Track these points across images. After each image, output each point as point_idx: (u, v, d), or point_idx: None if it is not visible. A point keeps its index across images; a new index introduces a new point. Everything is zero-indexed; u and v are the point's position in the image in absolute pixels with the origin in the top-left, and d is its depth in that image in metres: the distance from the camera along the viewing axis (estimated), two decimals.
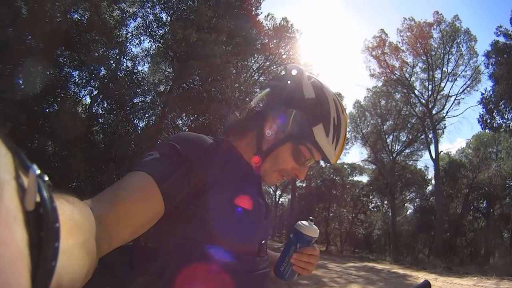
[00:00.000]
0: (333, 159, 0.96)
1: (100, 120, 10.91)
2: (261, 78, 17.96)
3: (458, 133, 54.58)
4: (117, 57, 10.87)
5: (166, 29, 10.71)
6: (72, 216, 0.41)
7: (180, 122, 12.86)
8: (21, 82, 7.63)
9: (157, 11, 10.79)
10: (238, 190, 0.88)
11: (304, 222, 1.05)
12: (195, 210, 0.80)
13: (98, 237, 0.51)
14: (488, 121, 17.61)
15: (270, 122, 0.95)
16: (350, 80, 61.33)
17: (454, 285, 9.25)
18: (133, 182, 0.69)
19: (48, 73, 8.06)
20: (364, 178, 28.49)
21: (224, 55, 10.36)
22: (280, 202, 37.83)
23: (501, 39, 17.29)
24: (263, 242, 0.95)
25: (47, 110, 8.57)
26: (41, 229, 0.26)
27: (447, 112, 22.93)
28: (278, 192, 36.66)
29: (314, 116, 0.92)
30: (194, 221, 0.81)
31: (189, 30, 9.03)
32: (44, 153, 8.46)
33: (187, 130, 11.91)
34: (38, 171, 0.27)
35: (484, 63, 19.09)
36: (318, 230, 1.04)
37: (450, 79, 22.41)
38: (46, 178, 0.28)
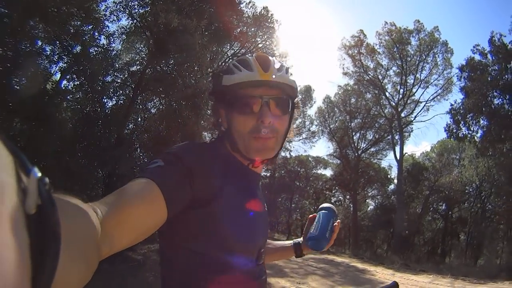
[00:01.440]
0: (257, 76, 0.90)
1: (68, 97, 10.39)
2: None
3: (424, 137, 56.92)
4: (93, 33, 10.31)
5: (147, 9, 10.27)
6: (73, 219, 0.43)
7: (151, 104, 12.44)
8: None
9: None
10: (240, 198, 0.91)
11: (327, 204, 1.28)
12: (198, 220, 0.82)
13: (99, 241, 0.51)
14: (454, 130, 18.35)
15: (221, 117, 1.00)
16: (322, 75, 61.97)
17: (410, 281, 9.69)
18: (137, 188, 0.70)
19: (18, 45, 7.53)
20: (328, 172, 29.10)
21: (203, 42, 10.15)
22: None
23: (477, 57, 18.00)
24: (262, 250, 0.98)
25: (15, 86, 8.00)
26: (42, 232, 0.27)
27: (415, 117, 23.87)
28: None
29: (218, 80, 0.95)
30: (195, 230, 0.83)
31: (172, 14, 8.73)
32: (9, 131, 7.90)
33: (156, 113, 11.62)
34: (39, 174, 0.27)
35: (457, 76, 19.74)
36: None
37: (422, 86, 23.32)
38: (47, 181, 0.28)
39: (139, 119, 11.86)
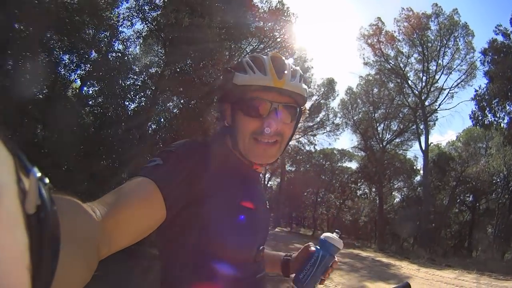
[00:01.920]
0: (269, 81, 0.88)
1: (90, 102, 10.75)
2: None
3: (449, 126, 54.95)
4: (108, 39, 10.60)
5: (159, 12, 10.45)
6: (73, 219, 0.42)
7: (171, 104, 12.67)
8: (10, 67, 7.40)
9: None
10: (238, 197, 0.90)
11: (330, 234, 1.12)
12: (196, 218, 0.81)
13: (99, 241, 0.51)
14: (480, 118, 17.69)
15: (225, 112, 0.97)
16: (343, 66, 61.12)
17: (435, 276, 9.47)
18: (135, 187, 0.70)
19: (38, 57, 7.85)
20: (353, 165, 28.77)
21: (217, 40, 10.19)
22: (269, 185, 38.09)
23: (499, 38, 17.26)
24: (260, 248, 0.96)
25: (37, 95, 8.36)
26: (42, 232, 0.26)
27: (439, 105, 22.94)
28: (268, 175, 36.94)
29: (229, 76, 0.91)
30: (194, 229, 0.82)
31: (182, 14, 8.83)
32: (34, 139, 8.29)
33: (178, 112, 11.81)
34: (39, 174, 0.27)
35: (480, 60, 18.98)
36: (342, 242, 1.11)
37: (444, 72, 22.33)
38: (47, 181, 0.29)
39: (162, 119, 12.10)
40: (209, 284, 0.82)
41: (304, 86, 0.94)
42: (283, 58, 0.94)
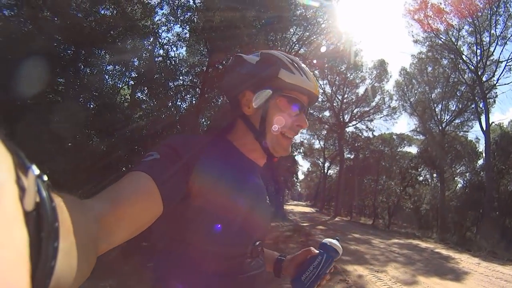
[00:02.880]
0: (313, 88, 0.98)
1: (143, 106, 11.34)
2: (301, 50, 17.55)
3: (511, 103, 49.87)
4: (150, 46, 11.12)
5: (192, 13, 10.74)
6: (72, 216, 0.43)
7: (221, 100, 13.01)
8: (62, 87, 8.03)
9: None
10: (236, 190, 0.90)
11: (332, 239, 1.16)
12: (192, 213, 0.83)
13: (98, 236, 0.53)
14: None
15: (244, 101, 0.98)
16: (394, 47, 57.97)
17: (495, 272, 8.71)
18: (133, 182, 0.70)
19: (82, 73, 8.42)
20: (413, 149, 27.49)
21: (253, 32, 10.20)
22: (328, 174, 37.66)
23: None
24: (257, 243, 0.96)
25: (89, 105, 8.99)
26: (41, 229, 0.27)
27: (498, 79, 20.81)
28: (327, 164, 36.53)
29: (272, 69, 0.95)
30: (190, 224, 0.83)
31: (212, 13, 8.97)
32: (88, 148, 8.88)
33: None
34: (37, 171, 0.28)
35: None
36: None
37: (499, 43, 20.16)
38: (46, 178, 0.30)
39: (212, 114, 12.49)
40: (204, 278, 0.83)
41: None
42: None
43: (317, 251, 1.13)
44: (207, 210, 0.82)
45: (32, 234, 0.25)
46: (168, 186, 0.73)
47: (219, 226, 0.83)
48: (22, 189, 0.25)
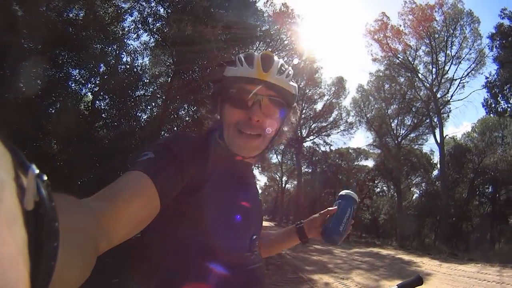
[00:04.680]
0: (255, 74, 0.91)
1: (103, 115, 10.96)
2: None
3: (464, 117, 54.29)
4: (116, 52, 10.85)
5: (163, 22, 10.66)
6: (71, 215, 0.42)
7: (183, 112, 12.83)
8: (22, 85, 7.63)
9: (153, 5, 10.72)
10: (230, 187, 0.92)
11: (348, 190, 1.24)
12: (188, 209, 0.83)
13: (96, 236, 0.52)
14: (493, 105, 17.38)
15: (218, 105, 0.99)
16: (352, 64, 60.90)
17: (457, 271, 9.25)
18: (130, 181, 0.70)
19: (47, 73, 8.09)
20: (370, 163, 28.49)
21: (222, 46, 10.30)
22: (286, 188, 37.96)
23: (506, 22, 17.04)
24: (254, 237, 0.97)
25: (50, 110, 8.61)
26: (40, 228, 0.26)
27: (451, 96, 22.50)
28: (284, 178, 36.86)
29: (219, 71, 0.97)
30: (186, 220, 0.83)
31: (184, 23, 8.97)
32: (48, 152, 8.51)
33: (190, 120, 11.94)
34: (37, 171, 0.28)
35: (489, 46, 18.64)
36: None
37: (454, 62, 21.92)
38: (45, 178, 0.29)
39: (175, 127, 12.25)
40: (202, 274, 0.83)
41: (294, 84, 0.97)
42: (274, 56, 0.96)
43: (339, 205, 1.20)
44: (203, 205, 0.84)
45: (32, 233, 0.25)
46: (164, 184, 0.73)
47: (216, 220, 0.85)
48: (21, 189, 0.25)
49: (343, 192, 1.25)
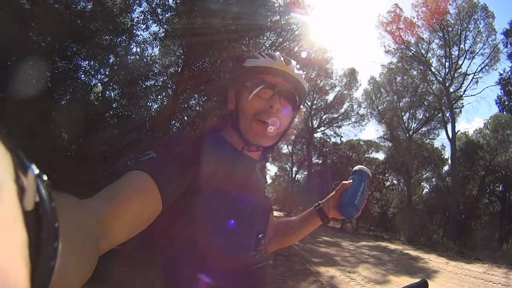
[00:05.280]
0: (279, 65, 0.95)
1: (113, 105, 11.05)
2: None
3: (476, 113, 52.72)
4: (125, 43, 10.89)
5: (172, 13, 10.64)
6: (72, 216, 0.42)
7: (193, 102, 12.86)
8: (30, 77, 7.71)
9: None
10: (233, 186, 0.90)
11: (362, 166, 1.27)
12: (191, 209, 0.82)
13: (97, 236, 0.52)
14: (506, 102, 17.01)
15: (229, 99, 1.00)
16: (364, 56, 60.11)
17: (464, 270, 9.19)
18: (132, 181, 0.70)
19: (56, 65, 8.16)
20: (380, 156, 28.34)
21: (232, 37, 10.24)
22: (296, 178, 38.03)
23: None
24: (260, 236, 0.97)
25: (60, 101, 8.71)
26: (41, 229, 0.26)
27: (464, 91, 22.10)
28: (295, 169, 36.92)
29: (238, 62, 1.00)
30: (190, 219, 0.83)
31: (193, 14, 8.94)
32: (59, 143, 8.63)
33: (200, 110, 11.99)
34: (37, 171, 0.27)
35: (503, 42, 18.21)
36: None
37: (467, 57, 21.46)
38: (45, 178, 0.29)
39: (185, 117, 12.30)
40: (209, 273, 0.82)
41: (306, 84, 1.02)
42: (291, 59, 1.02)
43: (358, 177, 1.22)
44: (208, 205, 0.83)
45: (32, 234, 0.25)
46: (167, 184, 0.73)
47: (221, 220, 0.85)
48: (21, 189, 0.25)
49: (357, 167, 1.28)
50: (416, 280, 1.15)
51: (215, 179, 0.85)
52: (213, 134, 0.99)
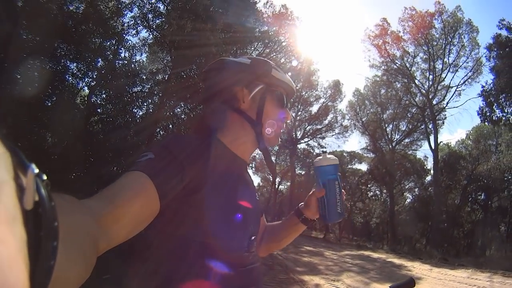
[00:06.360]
0: (294, 85, 1.10)
1: (98, 110, 10.90)
2: None
3: (458, 124, 54.69)
4: (114, 47, 10.81)
5: (163, 19, 10.64)
6: (71, 215, 0.43)
7: (179, 110, 12.79)
8: (19, 76, 7.57)
9: (153, 1, 10.71)
10: (230, 187, 0.93)
11: (322, 158, 1.15)
12: (188, 209, 0.83)
13: (96, 236, 0.52)
14: (488, 114, 17.50)
15: (240, 96, 1.01)
16: (350, 68, 61.21)
17: (448, 276, 9.30)
18: (130, 181, 0.71)
19: (45, 66, 8.04)
20: (363, 167, 28.55)
21: (220, 44, 10.29)
22: (279, 189, 37.94)
23: (503, 33, 17.19)
24: (252, 238, 0.98)
25: (46, 103, 8.56)
26: (40, 228, 0.27)
27: (447, 103, 22.80)
28: (278, 179, 36.82)
29: (266, 67, 1.03)
30: (187, 220, 0.84)
31: (184, 20, 8.97)
32: (43, 145, 8.46)
33: (185, 118, 11.92)
34: (36, 170, 0.27)
35: (486, 56, 18.87)
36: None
37: (451, 70, 22.23)
38: (45, 177, 0.29)
39: (170, 125, 12.21)
40: (202, 274, 0.83)
41: None
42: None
43: (326, 187, 1.10)
44: (203, 205, 0.84)
45: (31, 233, 0.25)
46: (164, 184, 0.74)
47: (216, 220, 0.86)
48: (21, 188, 0.25)
49: (320, 162, 1.14)
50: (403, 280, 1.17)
51: (212, 180, 0.87)
52: (208, 135, 1.00)
